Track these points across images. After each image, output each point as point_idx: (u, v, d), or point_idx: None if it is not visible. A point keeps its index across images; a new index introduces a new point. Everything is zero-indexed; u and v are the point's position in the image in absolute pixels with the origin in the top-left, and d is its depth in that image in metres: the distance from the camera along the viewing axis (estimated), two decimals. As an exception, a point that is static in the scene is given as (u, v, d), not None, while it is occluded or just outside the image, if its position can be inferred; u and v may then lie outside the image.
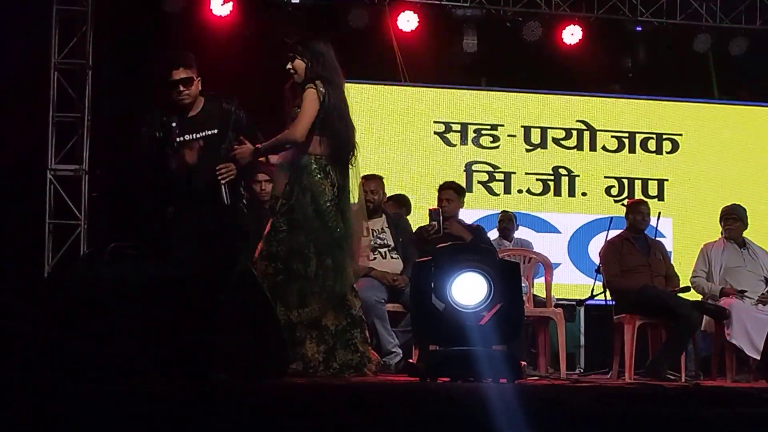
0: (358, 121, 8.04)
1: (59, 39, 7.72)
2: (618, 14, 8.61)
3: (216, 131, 4.97)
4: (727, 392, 4.08)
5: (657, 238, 7.02)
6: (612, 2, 8.57)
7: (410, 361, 5.57)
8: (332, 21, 8.21)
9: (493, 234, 7.61)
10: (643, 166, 8.72)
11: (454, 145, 8.53)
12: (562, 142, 8.64)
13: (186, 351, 3.50)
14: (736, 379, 6.33)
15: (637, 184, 8.67)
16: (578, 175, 8.64)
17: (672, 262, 7.11)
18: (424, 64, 8.59)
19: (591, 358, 8.08)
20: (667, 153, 8.75)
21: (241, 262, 4.02)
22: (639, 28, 8.75)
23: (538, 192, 8.57)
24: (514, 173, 8.57)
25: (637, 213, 6.80)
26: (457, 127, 8.54)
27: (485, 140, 8.57)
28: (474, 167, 8.53)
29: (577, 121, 8.67)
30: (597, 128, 8.68)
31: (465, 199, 6.77)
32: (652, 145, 8.73)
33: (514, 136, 8.59)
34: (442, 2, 8.43)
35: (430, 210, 6.54)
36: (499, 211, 7.99)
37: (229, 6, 7.99)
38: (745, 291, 6.60)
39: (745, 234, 6.98)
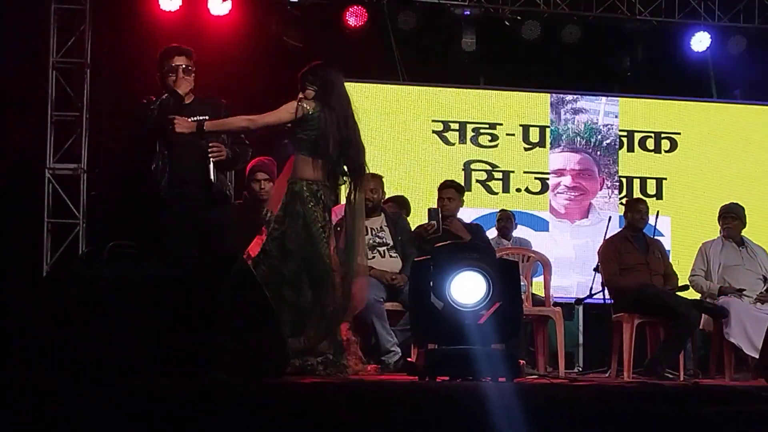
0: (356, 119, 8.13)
1: (58, 37, 7.70)
2: (616, 13, 8.61)
3: (207, 118, 5.08)
4: (725, 391, 4.08)
5: (655, 237, 7.03)
6: (610, 1, 8.55)
7: (409, 360, 5.57)
8: (331, 20, 8.21)
9: (491, 233, 7.62)
10: (642, 165, 8.73)
11: (453, 144, 8.53)
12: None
13: (185, 350, 3.50)
14: (735, 378, 6.33)
15: (636, 182, 8.67)
16: (577, 174, 8.67)
17: (670, 260, 7.12)
18: (423, 62, 8.60)
19: (589, 357, 8.09)
20: (666, 152, 8.75)
21: (240, 260, 4.01)
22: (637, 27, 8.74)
23: (537, 191, 8.57)
24: (513, 172, 8.57)
25: (636, 212, 6.81)
26: (456, 126, 8.54)
27: (484, 139, 8.57)
28: (472, 166, 8.53)
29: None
30: (595, 127, 8.73)
31: (464, 198, 6.78)
32: (650, 143, 8.74)
33: (513, 135, 8.60)
34: (441, 1, 8.42)
35: (429, 209, 6.55)
36: (498, 210, 8.00)
37: (228, 5, 7.97)
38: (744, 290, 6.61)
39: (743, 233, 6.99)
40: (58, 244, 7.53)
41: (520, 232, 8.06)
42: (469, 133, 8.54)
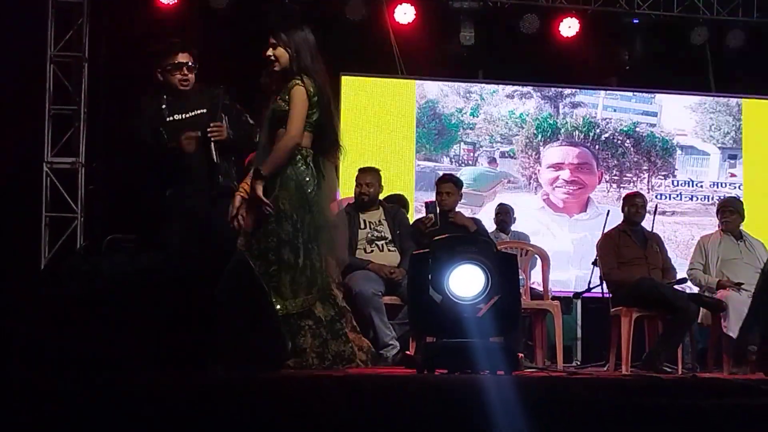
0: (355, 113, 8.14)
1: (55, 31, 7.70)
2: (615, 7, 8.60)
3: (205, 111, 5.03)
4: (723, 384, 4.08)
5: (653, 231, 7.03)
6: (609, -5, 8.57)
7: (407, 353, 5.57)
8: (329, 13, 8.19)
9: (490, 226, 7.61)
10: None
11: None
12: (559, 135, 8.67)
13: (183, 343, 3.50)
14: (733, 372, 6.33)
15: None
16: (576, 168, 8.67)
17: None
18: (421, 56, 8.59)
19: (588, 351, 8.08)
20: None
21: (238, 253, 4.00)
22: (636, 21, 8.72)
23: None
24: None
25: (632, 205, 6.81)
26: (454, 120, 8.54)
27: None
28: (471, 160, 8.54)
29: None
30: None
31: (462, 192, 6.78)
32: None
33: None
34: (439, -5, 8.42)
35: (426, 202, 6.55)
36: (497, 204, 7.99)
37: (226, -2, 7.96)
38: (742, 283, 6.60)
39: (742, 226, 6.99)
40: (56, 238, 7.53)
41: (519, 225, 8.05)
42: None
